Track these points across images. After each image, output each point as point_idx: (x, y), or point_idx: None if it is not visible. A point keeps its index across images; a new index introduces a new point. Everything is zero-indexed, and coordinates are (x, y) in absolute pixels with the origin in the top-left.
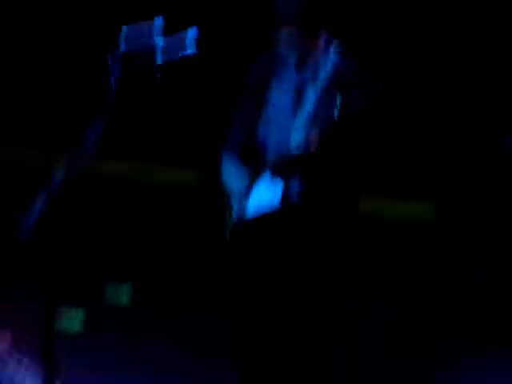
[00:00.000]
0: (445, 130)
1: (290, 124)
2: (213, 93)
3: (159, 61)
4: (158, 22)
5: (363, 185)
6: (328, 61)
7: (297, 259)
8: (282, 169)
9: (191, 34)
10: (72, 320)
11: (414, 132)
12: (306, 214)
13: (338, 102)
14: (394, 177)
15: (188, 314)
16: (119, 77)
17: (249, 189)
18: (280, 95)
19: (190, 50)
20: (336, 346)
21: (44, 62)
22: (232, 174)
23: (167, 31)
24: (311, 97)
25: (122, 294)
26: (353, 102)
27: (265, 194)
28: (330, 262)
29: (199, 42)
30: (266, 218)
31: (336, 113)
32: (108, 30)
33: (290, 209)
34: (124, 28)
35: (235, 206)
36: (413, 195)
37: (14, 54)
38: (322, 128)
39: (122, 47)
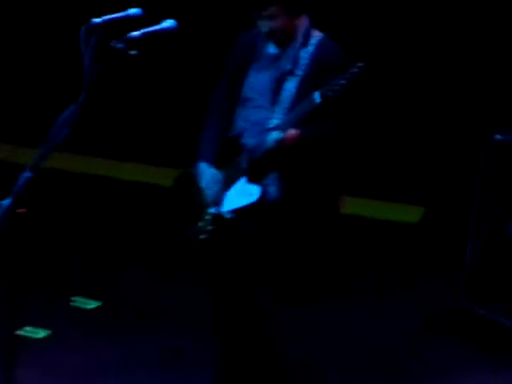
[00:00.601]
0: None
1: (268, 109)
2: (190, 86)
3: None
4: (135, 12)
5: (345, 182)
6: (308, 53)
7: (272, 250)
8: (259, 171)
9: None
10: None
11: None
12: (283, 209)
13: (320, 88)
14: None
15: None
16: (92, 65)
17: (226, 186)
18: (258, 78)
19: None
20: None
21: (13, 60)
22: (207, 173)
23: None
24: (290, 90)
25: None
26: (336, 86)
27: (242, 192)
28: (305, 257)
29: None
30: (243, 213)
31: (318, 98)
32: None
33: (268, 204)
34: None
35: (211, 204)
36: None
37: None
38: (302, 115)
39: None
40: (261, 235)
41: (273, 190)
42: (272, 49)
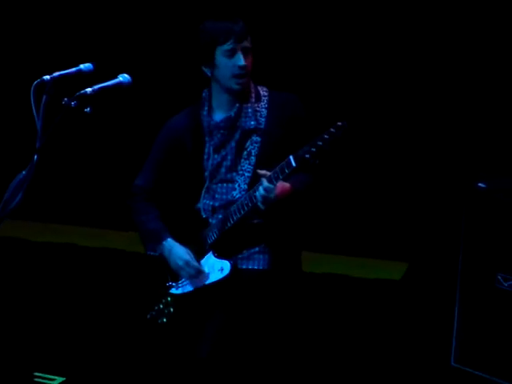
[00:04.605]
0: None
1: (233, 179)
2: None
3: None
4: (87, 67)
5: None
6: (264, 107)
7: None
8: (229, 244)
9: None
10: None
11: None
12: (271, 278)
13: (296, 151)
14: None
15: None
16: (44, 126)
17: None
18: (216, 152)
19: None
20: None
21: None
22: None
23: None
24: (252, 152)
25: None
26: (313, 147)
27: (211, 268)
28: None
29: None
30: (214, 288)
31: (293, 162)
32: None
33: (241, 274)
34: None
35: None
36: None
37: None
38: (277, 179)
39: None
40: (238, 307)
41: (262, 258)
42: (218, 115)
